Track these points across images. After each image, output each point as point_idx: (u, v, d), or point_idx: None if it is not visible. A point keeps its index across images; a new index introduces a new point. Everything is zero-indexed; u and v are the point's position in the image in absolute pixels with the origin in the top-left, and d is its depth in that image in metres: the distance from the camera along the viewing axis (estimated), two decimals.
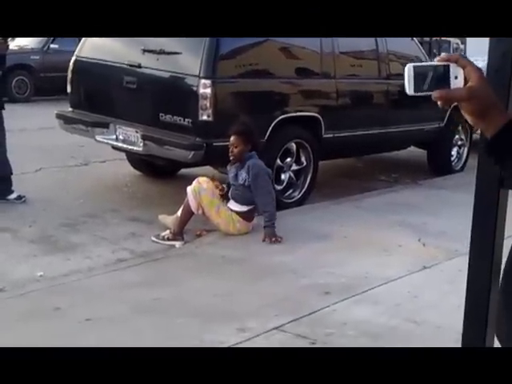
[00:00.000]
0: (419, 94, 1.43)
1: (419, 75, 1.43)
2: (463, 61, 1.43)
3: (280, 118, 6.61)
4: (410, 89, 1.43)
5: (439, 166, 8.90)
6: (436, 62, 1.44)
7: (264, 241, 5.56)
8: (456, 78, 1.42)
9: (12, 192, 6.56)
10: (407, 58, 8.33)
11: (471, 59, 1.49)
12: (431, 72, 1.43)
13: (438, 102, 1.43)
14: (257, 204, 5.77)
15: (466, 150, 9.05)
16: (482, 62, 3.31)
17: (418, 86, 1.43)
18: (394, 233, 5.96)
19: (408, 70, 1.43)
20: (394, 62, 8.03)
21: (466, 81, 1.43)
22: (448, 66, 1.43)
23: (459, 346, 2.27)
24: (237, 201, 5.82)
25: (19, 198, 6.56)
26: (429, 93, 1.42)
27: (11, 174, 6.57)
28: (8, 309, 4.17)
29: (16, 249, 5.41)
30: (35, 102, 14.02)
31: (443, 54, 1.45)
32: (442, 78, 1.42)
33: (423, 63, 1.46)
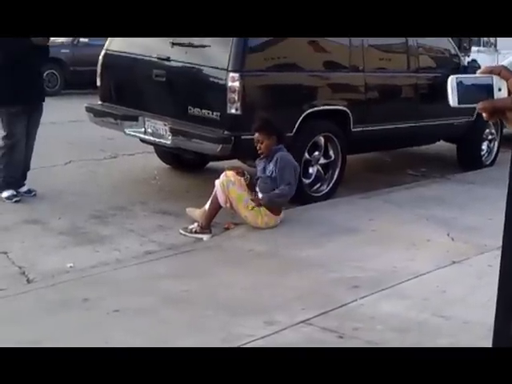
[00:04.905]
0: (463, 105, 1.42)
1: (462, 87, 1.41)
2: (506, 73, 1.40)
3: (308, 111, 6.59)
4: (453, 100, 1.41)
5: (469, 160, 8.80)
6: (479, 74, 1.42)
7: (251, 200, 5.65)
8: (500, 89, 1.41)
9: (23, 185, 6.54)
10: (437, 51, 8.26)
11: (503, 52, 1.47)
12: (474, 84, 1.41)
13: (484, 115, 1.41)
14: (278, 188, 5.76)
15: (496, 144, 8.94)
16: None
17: (461, 97, 1.41)
18: (423, 227, 5.92)
19: (451, 82, 1.41)
20: (424, 56, 7.96)
21: (509, 92, 1.41)
22: (491, 77, 1.41)
23: (488, 341, 2.25)
24: (263, 192, 5.83)
25: (29, 191, 6.55)
26: (473, 105, 1.41)
27: (28, 169, 6.57)
28: (38, 299, 4.22)
29: (46, 240, 5.47)
30: (65, 95, 14.11)
31: (486, 66, 1.43)
32: (485, 89, 1.41)
33: (466, 75, 1.44)
